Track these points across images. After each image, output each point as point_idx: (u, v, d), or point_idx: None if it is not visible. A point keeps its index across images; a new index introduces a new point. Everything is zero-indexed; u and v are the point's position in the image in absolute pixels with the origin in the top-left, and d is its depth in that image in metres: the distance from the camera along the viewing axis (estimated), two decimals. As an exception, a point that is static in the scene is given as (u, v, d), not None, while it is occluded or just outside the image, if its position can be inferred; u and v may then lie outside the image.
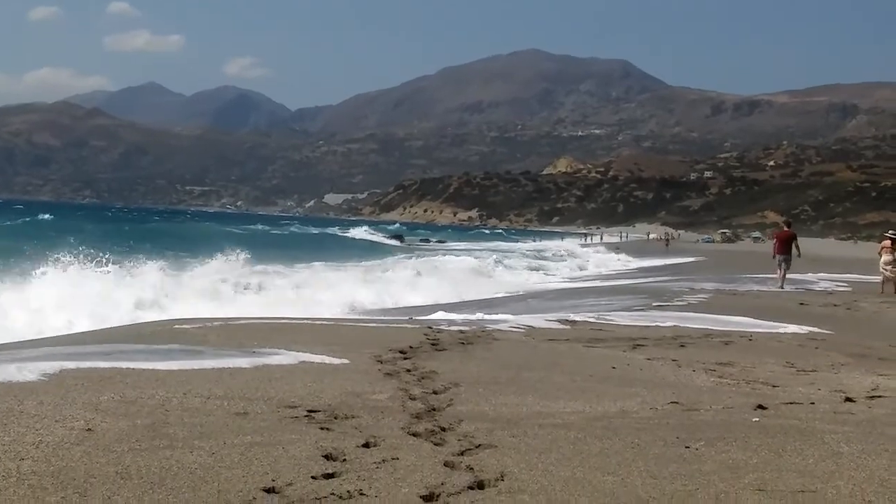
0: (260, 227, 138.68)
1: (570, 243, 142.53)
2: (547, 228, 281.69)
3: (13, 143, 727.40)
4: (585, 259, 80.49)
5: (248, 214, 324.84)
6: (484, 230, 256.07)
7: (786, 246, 38.43)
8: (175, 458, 7.12)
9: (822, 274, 42.74)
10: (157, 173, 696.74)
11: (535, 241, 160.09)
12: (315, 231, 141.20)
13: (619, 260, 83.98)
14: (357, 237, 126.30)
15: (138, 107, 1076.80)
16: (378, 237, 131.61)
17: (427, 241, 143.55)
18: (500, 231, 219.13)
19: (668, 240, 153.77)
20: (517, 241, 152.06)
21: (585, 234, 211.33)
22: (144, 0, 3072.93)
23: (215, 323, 17.38)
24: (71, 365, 11.45)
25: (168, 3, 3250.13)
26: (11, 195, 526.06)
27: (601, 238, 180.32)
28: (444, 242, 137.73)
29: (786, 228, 40.50)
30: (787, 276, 38.24)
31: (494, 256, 70.98)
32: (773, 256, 39.26)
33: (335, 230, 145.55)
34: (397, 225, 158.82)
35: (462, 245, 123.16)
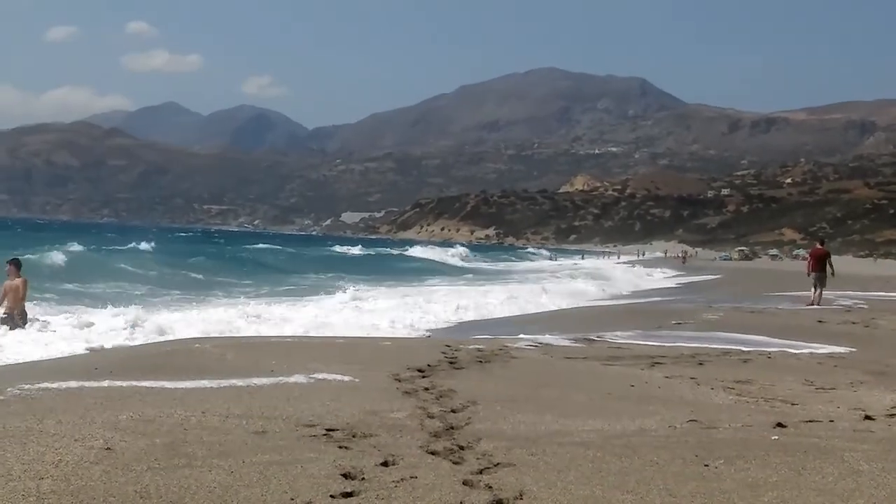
0: (329, 249, 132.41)
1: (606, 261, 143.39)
2: (564, 246, 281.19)
3: (32, 163, 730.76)
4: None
5: (272, 234, 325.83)
6: (519, 248, 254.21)
7: (820, 264, 38.83)
8: (194, 477, 7.13)
9: (839, 291, 42.54)
10: (175, 192, 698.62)
11: (578, 258, 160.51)
12: (380, 252, 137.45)
13: (664, 276, 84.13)
14: (433, 258, 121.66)
15: (156, 126, 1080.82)
16: (450, 257, 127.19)
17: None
18: (531, 249, 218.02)
19: (684, 257, 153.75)
20: (556, 260, 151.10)
21: (604, 253, 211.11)
22: (163, 20, 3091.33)
23: (232, 342, 17.37)
24: (91, 384, 11.50)
25: (186, 22, 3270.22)
26: (30, 214, 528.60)
27: (619, 256, 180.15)
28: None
29: (819, 246, 41.08)
30: (823, 294, 38.46)
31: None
32: (808, 274, 39.49)
33: (390, 250, 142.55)
34: (459, 247, 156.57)
35: (520, 266, 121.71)
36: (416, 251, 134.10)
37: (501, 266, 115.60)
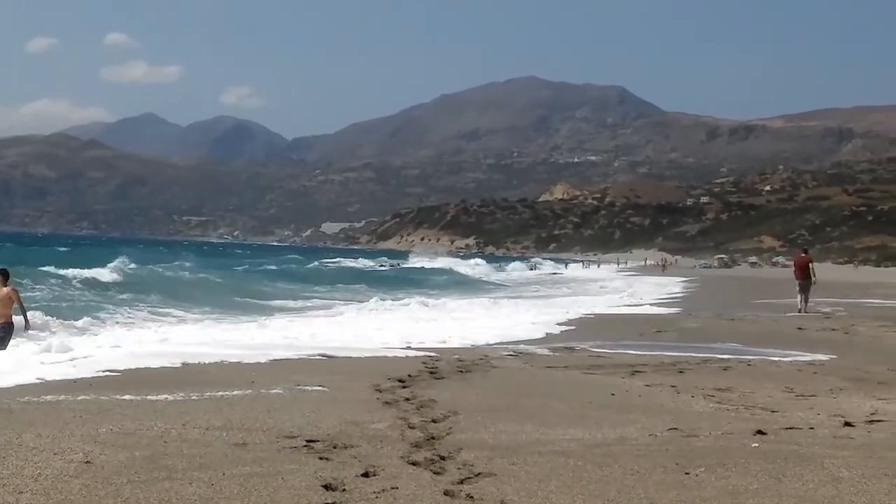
0: (351, 262, 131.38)
1: (606, 271, 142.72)
2: (544, 255, 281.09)
3: (9, 175, 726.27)
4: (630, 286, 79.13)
5: (258, 245, 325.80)
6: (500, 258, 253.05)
7: (804, 272, 39.70)
8: (174, 490, 7.12)
9: (819, 298, 42.75)
10: (154, 204, 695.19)
11: (560, 267, 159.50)
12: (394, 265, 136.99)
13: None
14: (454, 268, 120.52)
15: (135, 138, 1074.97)
16: (465, 267, 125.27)
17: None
18: (515, 258, 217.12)
19: (664, 265, 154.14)
20: (537, 268, 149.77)
21: (583, 262, 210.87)
22: (141, 31, 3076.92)
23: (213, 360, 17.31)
24: (67, 397, 11.48)
25: (166, 33, 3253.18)
26: (9, 227, 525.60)
27: (598, 265, 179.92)
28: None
29: (802, 255, 42.35)
30: (809, 300, 39.00)
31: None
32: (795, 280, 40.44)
33: (401, 262, 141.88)
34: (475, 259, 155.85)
35: (515, 275, 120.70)
36: (437, 263, 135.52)
37: (501, 277, 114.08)
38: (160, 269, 64.48)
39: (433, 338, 24.56)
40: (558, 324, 31.51)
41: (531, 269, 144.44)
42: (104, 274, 50.90)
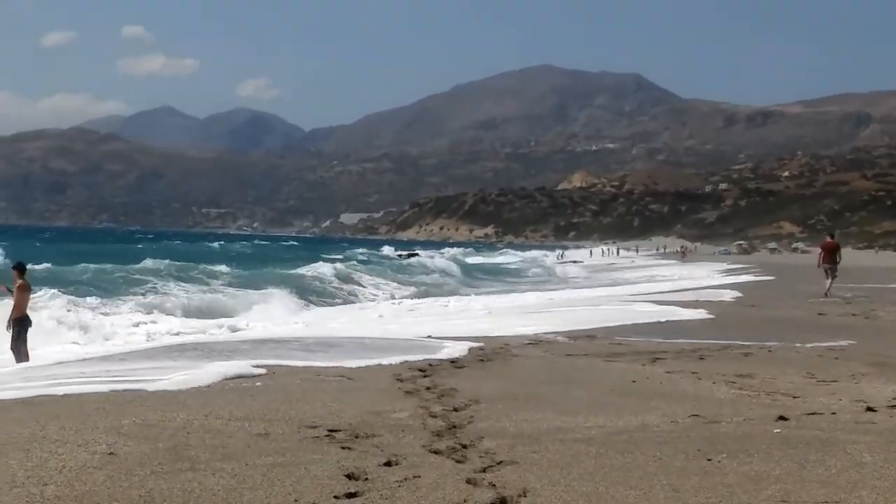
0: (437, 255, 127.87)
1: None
2: (565, 243, 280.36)
3: (29, 170, 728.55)
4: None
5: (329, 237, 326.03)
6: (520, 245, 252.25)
7: (831, 256, 39.97)
8: (197, 481, 7.14)
9: (839, 284, 42.55)
10: (172, 196, 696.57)
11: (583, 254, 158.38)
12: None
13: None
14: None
15: (153, 131, 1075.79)
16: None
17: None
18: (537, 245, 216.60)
19: (684, 252, 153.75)
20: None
21: (602, 249, 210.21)
22: (158, 24, 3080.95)
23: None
24: (92, 388, 11.52)
25: (182, 26, 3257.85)
26: (30, 221, 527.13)
27: (617, 252, 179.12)
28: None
29: (829, 239, 42.29)
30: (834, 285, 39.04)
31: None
32: (818, 266, 40.71)
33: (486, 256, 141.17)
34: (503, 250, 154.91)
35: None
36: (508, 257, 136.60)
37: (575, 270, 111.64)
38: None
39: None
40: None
41: (559, 258, 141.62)
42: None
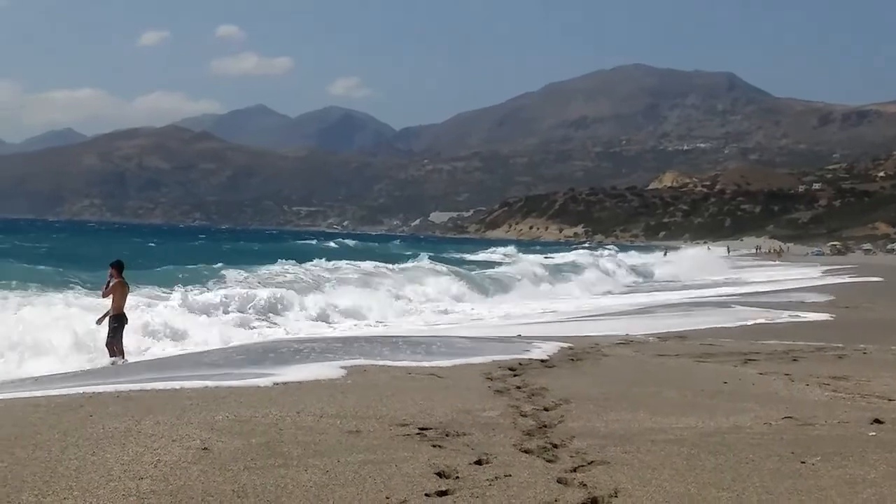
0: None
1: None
2: (654, 243, 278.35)
3: (124, 167, 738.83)
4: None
5: (420, 236, 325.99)
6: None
7: None
8: (290, 477, 7.20)
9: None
10: (264, 195, 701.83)
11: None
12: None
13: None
14: None
15: (245, 129, 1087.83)
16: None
17: None
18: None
19: (779, 252, 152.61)
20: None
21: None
22: (252, 23, 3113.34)
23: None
24: (188, 384, 11.67)
25: (275, 25, 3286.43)
26: (124, 218, 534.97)
27: (708, 249, 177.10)
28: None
29: None
30: None
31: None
32: None
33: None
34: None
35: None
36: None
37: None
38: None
39: None
40: None
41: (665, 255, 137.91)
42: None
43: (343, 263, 53.52)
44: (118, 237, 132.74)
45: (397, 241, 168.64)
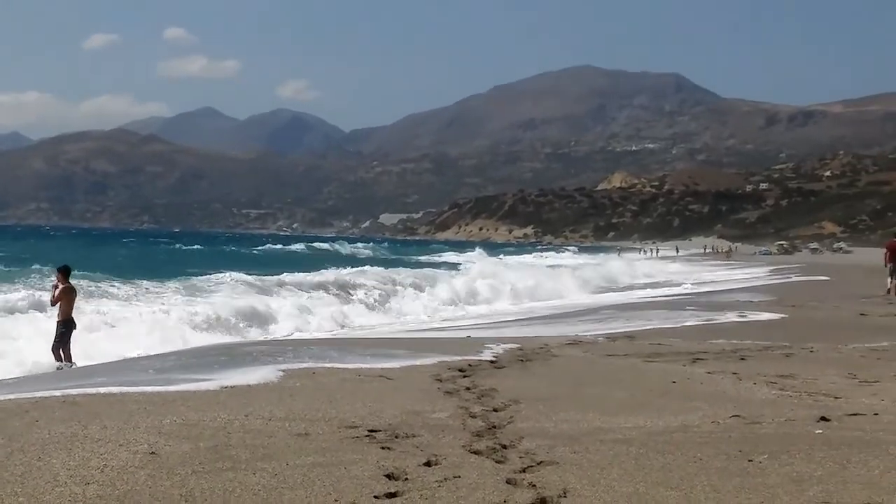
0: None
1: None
2: (604, 244, 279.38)
3: (71, 171, 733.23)
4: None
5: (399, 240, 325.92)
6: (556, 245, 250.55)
7: (895, 255, 39.58)
8: (238, 480, 7.18)
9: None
10: (213, 197, 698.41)
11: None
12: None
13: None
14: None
15: (193, 132, 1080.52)
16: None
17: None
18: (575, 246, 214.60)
19: (728, 252, 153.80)
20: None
21: (639, 250, 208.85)
22: (200, 26, 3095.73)
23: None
24: (133, 389, 11.59)
25: (224, 28, 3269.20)
26: (72, 222, 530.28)
27: (657, 252, 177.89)
28: None
29: (894, 239, 42.15)
30: None
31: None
32: (885, 265, 40.59)
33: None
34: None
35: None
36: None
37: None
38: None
39: None
40: None
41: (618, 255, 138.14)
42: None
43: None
44: (84, 242, 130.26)
45: (370, 244, 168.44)
